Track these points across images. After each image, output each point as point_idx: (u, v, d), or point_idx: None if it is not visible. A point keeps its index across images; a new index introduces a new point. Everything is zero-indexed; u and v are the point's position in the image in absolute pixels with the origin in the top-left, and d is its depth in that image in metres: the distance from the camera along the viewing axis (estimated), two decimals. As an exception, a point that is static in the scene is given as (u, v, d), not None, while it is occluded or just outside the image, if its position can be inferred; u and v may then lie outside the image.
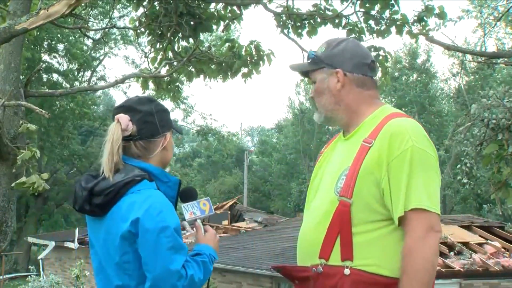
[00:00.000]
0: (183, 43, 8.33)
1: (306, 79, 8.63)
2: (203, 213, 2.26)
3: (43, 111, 5.04)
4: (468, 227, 13.26)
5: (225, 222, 19.08)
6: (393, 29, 7.68)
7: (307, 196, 2.23)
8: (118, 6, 23.20)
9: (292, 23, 8.00)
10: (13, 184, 5.35)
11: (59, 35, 24.86)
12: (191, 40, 8.09)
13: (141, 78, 8.28)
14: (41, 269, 21.80)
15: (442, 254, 11.31)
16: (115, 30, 25.61)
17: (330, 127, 37.74)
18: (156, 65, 8.37)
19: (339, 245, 1.96)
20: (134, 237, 1.95)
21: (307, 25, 7.91)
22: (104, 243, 2.04)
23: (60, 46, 26.98)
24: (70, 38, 25.44)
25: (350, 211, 1.95)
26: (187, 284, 1.96)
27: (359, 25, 7.74)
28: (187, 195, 2.29)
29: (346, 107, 2.11)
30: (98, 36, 20.26)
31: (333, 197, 2.00)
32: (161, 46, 8.23)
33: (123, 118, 2.08)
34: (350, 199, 1.95)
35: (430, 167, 1.95)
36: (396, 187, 1.92)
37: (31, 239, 23.19)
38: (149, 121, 2.11)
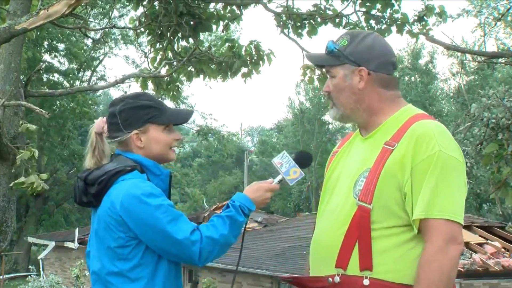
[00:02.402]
0: (183, 43, 8.34)
1: (306, 78, 8.48)
2: (285, 174, 2.19)
3: (43, 111, 5.05)
4: (468, 227, 13.24)
5: (225, 222, 19.05)
6: (393, 28, 7.68)
7: (321, 197, 2.12)
8: (117, 6, 23.20)
9: (292, 23, 7.99)
10: (11, 184, 5.36)
11: (59, 35, 24.85)
12: (191, 40, 8.09)
13: (141, 78, 8.29)
14: (41, 269, 21.81)
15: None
16: (115, 30, 25.61)
17: (330, 127, 37.82)
18: (156, 65, 8.37)
19: (358, 253, 1.85)
20: (124, 221, 2.00)
21: (307, 25, 7.90)
22: (96, 232, 2.10)
23: (61, 46, 26.98)
24: (71, 38, 25.44)
25: (369, 216, 1.85)
26: (204, 246, 2.01)
27: (359, 25, 7.74)
28: (301, 159, 2.23)
29: (367, 107, 2.00)
30: (98, 36, 20.27)
31: (352, 201, 1.90)
32: (161, 46, 8.23)
33: (98, 122, 2.23)
34: (370, 204, 1.85)
35: (456, 174, 1.84)
36: (420, 192, 1.81)
37: (31, 239, 23.20)
38: (113, 122, 2.17)
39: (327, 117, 37.43)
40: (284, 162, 2.20)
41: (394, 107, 2.00)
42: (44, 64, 25.17)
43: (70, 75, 28.27)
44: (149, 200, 1.99)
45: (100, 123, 2.21)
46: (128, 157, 2.14)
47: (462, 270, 11.06)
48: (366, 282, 1.83)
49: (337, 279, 1.88)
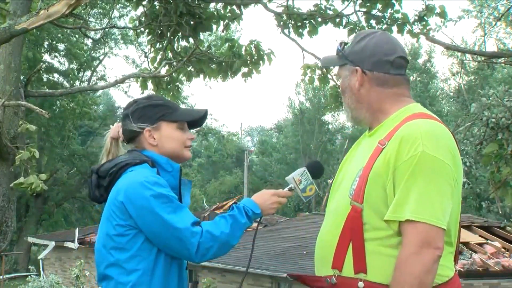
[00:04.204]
0: (183, 43, 8.35)
1: (306, 78, 8.50)
2: (303, 191, 2.25)
3: (43, 111, 5.06)
4: (468, 227, 13.24)
5: (225, 222, 19.04)
6: (394, 28, 7.69)
7: (329, 195, 2.12)
8: (118, 6, 23.19)
9: (292, 22, 8.00)
10: (11, 184, 5.36)
11: (59, 35, 24.86)
12: (191, 40, 8.09)
13: (141, 78, 8.29)
14: (41, 269, 21.79)
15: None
16: (115, 30, 25.61)
17: (330, 127, 37.80)
18: (156, 65, 8.38)
19: (352, 255, 1.84)
20: (125, 208, 2.02)
21: (307, 24, 7.91)
22: (102, 221, 2.13)
23: (61, 46, 26.97)
24: (71, 38, 25.44)
25: (361, 216, 1.83)
26: (204, 240, 2.01)
27: (359, 25, 7.74)
28: (314, 169, 2.28)
29: (368, 106, 2.00)
30: (98, 36, 20.28)
31: (347, 201, 1.88)
32: (161, 46, 8.24)
33: (114, 127, 2.30)
34: (361, 204, 1.83)
35: (439, 176, 1.78)
36: (397, 194, 1.79)
37: (31, 239, 23.18)
38: (126, 123, 2.23)
39: (327, 117, 37.49)
40: (303, 180, 2.23)
41: (396, 105, 1.98)
42: (44, 64, 25.16)
43: (70, 75, 28.26)
44: (153, 187, 2.01)
45: (115, 128, 2.28)
46: (141, 153, 2.18)
47: (462, 270, 11.06)
48: (360, 284, 1.81)
49: (333, 280, 1.88)
